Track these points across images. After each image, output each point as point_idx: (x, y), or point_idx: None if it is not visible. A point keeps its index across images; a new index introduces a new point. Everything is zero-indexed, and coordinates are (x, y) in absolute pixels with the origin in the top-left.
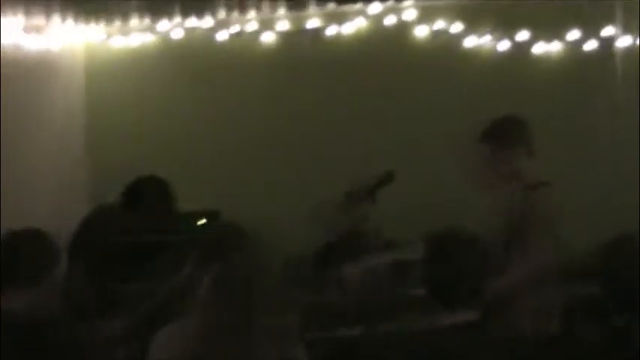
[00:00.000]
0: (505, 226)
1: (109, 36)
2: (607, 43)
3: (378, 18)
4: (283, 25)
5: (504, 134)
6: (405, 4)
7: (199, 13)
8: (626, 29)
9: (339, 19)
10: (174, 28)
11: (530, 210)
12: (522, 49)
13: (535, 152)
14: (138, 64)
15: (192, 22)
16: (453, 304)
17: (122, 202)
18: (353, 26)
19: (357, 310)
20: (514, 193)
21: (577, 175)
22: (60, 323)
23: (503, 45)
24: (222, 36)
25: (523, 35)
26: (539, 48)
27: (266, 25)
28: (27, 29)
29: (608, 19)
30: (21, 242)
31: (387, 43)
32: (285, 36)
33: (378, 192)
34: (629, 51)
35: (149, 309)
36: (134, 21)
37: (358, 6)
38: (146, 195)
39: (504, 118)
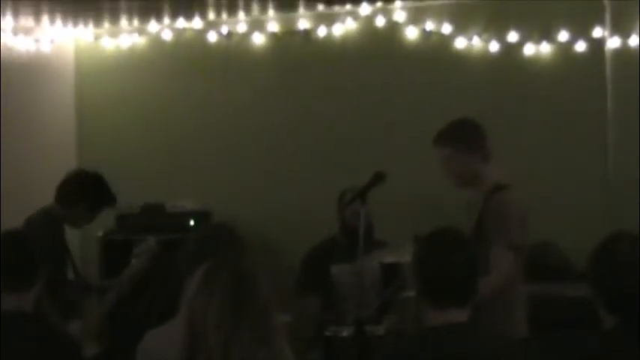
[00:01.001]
0: (473, 231)
1: (99, 37)
2: (597, 44)
3: (368, 19)
4: (273, 26)
5: (456, 137)
6: (395, 5)
7: (188, 15)
8: (616, 30)
9: (329, 20)
10: (164, 29)
11: (488, 213)
12: (512, 50)
13: (491, 156)
14: (128, 65)
15: (182, 23)
16: (442, 304)
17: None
18: (343, 27)
19: (347, 310)
20: (476, 196)
21: (567, 176)
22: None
23: (494, 46)
24: (212, 37)
25: (513, 36)
26: (530, 49)
27: (256, 26)
28: (16, 31)
29: (598, 20)
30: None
31: (378, 44)
32: (275, 37)
33: (368, 193)
34: (619, 52)
35: (109, 302)
36: (123, 22)
37: (348, 7)
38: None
39: (458, 121)
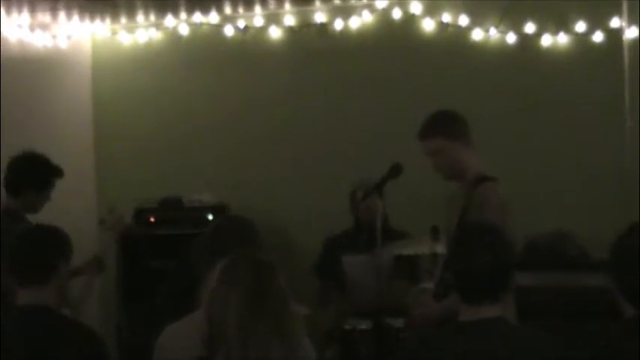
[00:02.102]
0: (457, 223)
1: (115, 32)
2: (614, 34)
3: (385, 11)
4: (289, 19)
5: (443, 128)
6: None
7: (205, 9)
8: (633, 20)
9: (346, 13)
10: (181, 23)
11: (472, 204)
12: (530, 41)
13: (473, 146)
14: (144, 60)
15: (198, 17)
16: (475, 299)
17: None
18: (359, 20)
19: (360, 301)
20: (462, 187)
21: (585, 166)
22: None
23: (510, 37)
24: (228, 31)
25: (530, 27)
26: (547, 40)
27: (272, 19)
28: (33, 27)
29: (615, 11)
30: (34, 237)
31: (394, 37)
32: (291, 30)
33: (385, 185)
34: (636, 42)
35: (85, 292)
36: (140, 17)
37: (364, 0)
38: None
39: (439, 113)
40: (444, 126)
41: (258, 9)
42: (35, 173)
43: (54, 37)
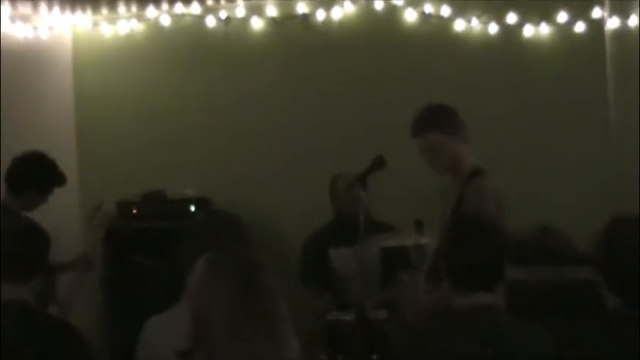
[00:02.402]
0: (450, 216)
1: (97, 24)
2: (596, 25)
3: (367, 2)
4: (272, 10)
5: (437, 122)
6: None
7: (186, 0)
8: (615, 11)
9: (328, 3)
10: (162, 14)
11: (466, 197)
12: (512, 31)
13: (468, 140)
14: (126, 51)
15: (180, 8)
16: (470, 287)
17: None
18: (342, 11)
19: (347, 294)
20: (455, 181)
21: (567, 158)
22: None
23: (493, 28)
24: (210, 22)
25: (512, 18)
26: (529, 30)
27: (255, 10)
28: (13, 18)
29: (597, 1)
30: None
31: (376, 28)
32: (274, 21)
33: (369, 177)
34: (618, 33)
35: (74, 287)
36: (121, 8)
37: None
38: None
39: (432, 107)
40: (439, 120)
41: (240, 0)
42: (38, 175)
43: (35, 28)
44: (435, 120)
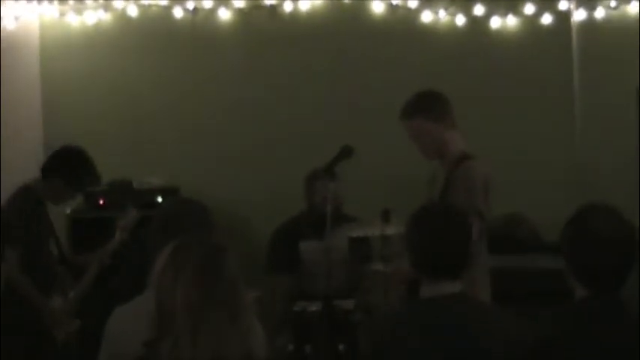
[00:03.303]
0: (438, 200)
1: (64, 13)
2: (563, 16)
3: None
4: (239, 1)
5: (424, 108)
6: None
7: None
8: (582, 3)
9: None
10: (130, 5)
11: (453, 181)
12: (479, 23)
13: (456, 125)
14: (93, 41)
15: None
16: (436, 276)
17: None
18: (309, 2)
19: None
20: (443, 166)
21: (534, 148)
22: None
23: (460, 19)
24: (177, 13)
25: (479, 9)
26: (496, 22)
27: (222, 1)
28: None
29: None
30: None
31: (344, 19)
32: (241, 12)
33: (336, 167)
34: (584, 24)
35: (84, 284)
36: None
37: None
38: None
39: (421, 93)
40: (426, 107)
41: None
42: (72, 171)
43: (1, 18)
44: (422, 106)
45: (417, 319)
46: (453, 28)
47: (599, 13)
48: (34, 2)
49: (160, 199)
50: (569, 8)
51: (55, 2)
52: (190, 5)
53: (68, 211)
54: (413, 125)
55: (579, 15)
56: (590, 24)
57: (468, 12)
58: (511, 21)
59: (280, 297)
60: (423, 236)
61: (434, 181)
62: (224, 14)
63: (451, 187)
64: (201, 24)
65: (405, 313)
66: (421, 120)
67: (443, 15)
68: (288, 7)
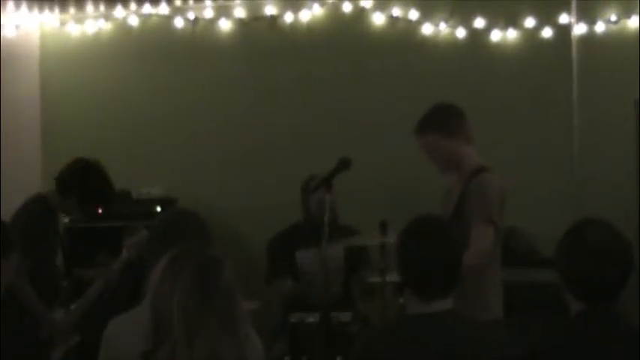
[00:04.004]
0: (452, 212)
1: (64, 23)
2: (563, 30)
3: (335, 5)
4: (240, 12)
5: (439, 123)
6: None
7: (155, 0)
8: (582, 17)
9: (296, 6)
10: (130, 14)
11: (469, 194)
12: (479, 36)
13: (472, 139)
14: (93, 51)
15: (148, 9)
16: (426, 293)
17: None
18: (310, 13)
19: (312, 296)
20: (459, 179)
21: (533, 161)
22: None
23: (460, 32)
24: (178, 23)
25: (479, 22)
26: (496, 35)
27: (222, 12)
28: None
29: (564, 7)
30: None
31: (344, 31)
32: (241, 23)
33: (334, 179)
34: (584, 38)
35: (88, 299)
36: (89, 7)
37: None
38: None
39: (437, 107)
40: (440, 122)
41: (208, 1)
42: (89, 189)
43: (2, 26)
44: (435, 121)
45: (406, 336)
46: (453, 40)
47: (600, 27)
48: (35, 11)
49: (158, 209)
50: (569, 22)
51: (56, 11)
52: (191, 15)
53: (66, 220)
54: (427, 141)
55: (579, 29)
56: (590, 38)
57: (468, 25)
58: (511, 34)
59: (277, 307)
60: (412, 254)
61: (449, 194)
62: (224, 25)
63: (467, 198)
64: (201, 34)
65: (393, 329)
66: (435, 136)
67: (443, 28)
68: (288, 18)
